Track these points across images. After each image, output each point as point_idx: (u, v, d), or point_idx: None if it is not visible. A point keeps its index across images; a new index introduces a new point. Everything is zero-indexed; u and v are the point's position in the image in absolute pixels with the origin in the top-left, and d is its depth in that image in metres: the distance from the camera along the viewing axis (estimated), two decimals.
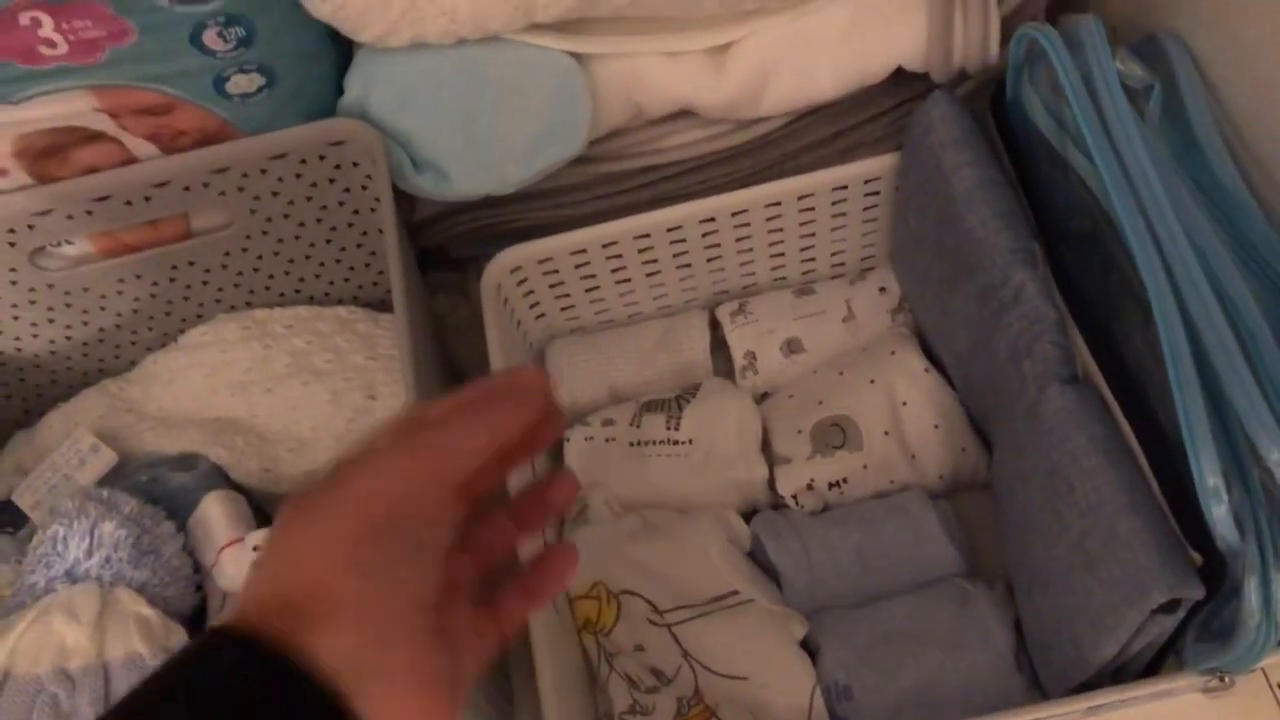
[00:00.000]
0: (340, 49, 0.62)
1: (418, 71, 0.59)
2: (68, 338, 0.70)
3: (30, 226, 0.62)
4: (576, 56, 0.60)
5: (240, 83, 0.57)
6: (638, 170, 0.66)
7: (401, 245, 0.59)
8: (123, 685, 0.53)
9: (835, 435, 0.64)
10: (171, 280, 0.68)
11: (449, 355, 0.74)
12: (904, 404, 0.64)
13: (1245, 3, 0.51)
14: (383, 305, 0.73)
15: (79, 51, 0.53)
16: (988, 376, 0.58)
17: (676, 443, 0.66)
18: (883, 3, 0.59)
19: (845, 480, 0.64)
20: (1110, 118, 0.50)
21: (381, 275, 0.72)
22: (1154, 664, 0.51)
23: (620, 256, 0.66)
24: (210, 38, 0.54)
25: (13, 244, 0.62)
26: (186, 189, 0.62)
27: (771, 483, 0.65)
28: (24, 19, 0.51)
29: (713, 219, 0.65)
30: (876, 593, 0.61)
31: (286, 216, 0.66)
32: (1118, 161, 0.49)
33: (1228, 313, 0.45)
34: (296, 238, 0.67)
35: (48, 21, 0.51)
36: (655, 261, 0.68)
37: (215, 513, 0.61)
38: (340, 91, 0.62)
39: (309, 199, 0.65)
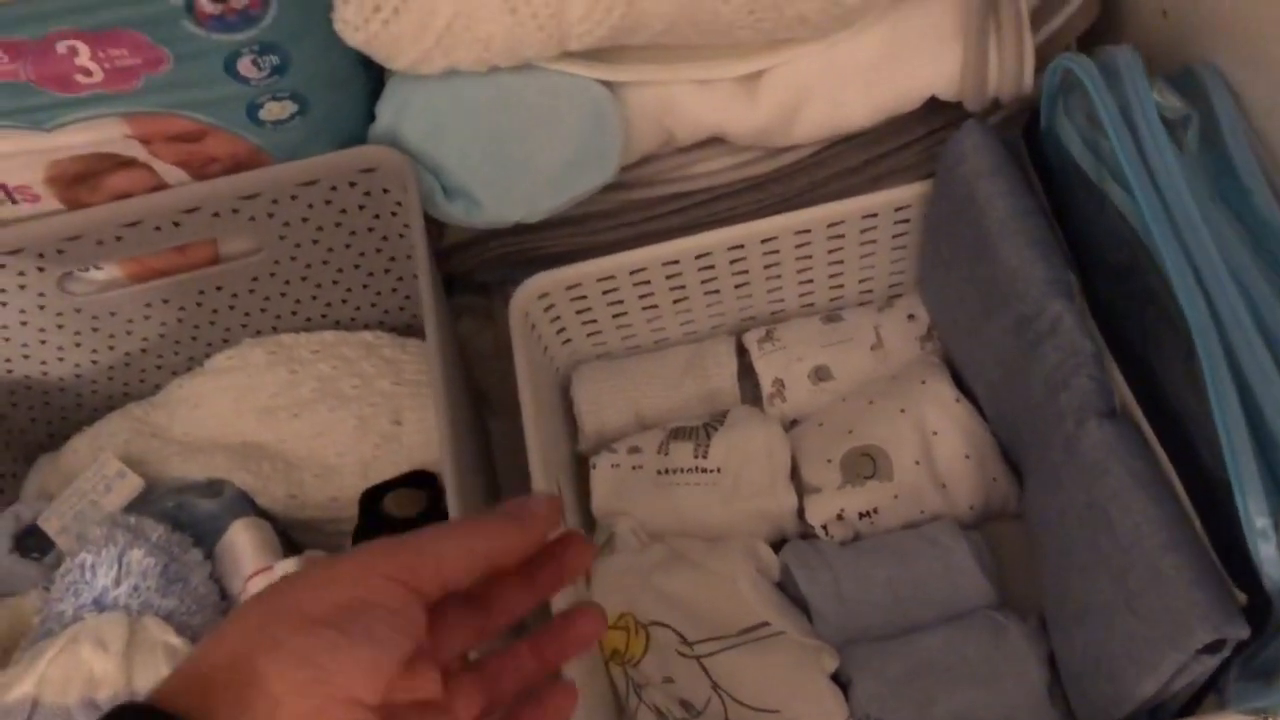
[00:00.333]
0: (372, 76, 0.62)
1: (450, 99, 0.59)
2: (94, 362, 0.70)
3: (60, 251, 0.62)
4: (608, 84, 0.60)
5: (273, 110, 0.57)
6: (667, 197, 0.66)
7: (432, 272, 0.59)
8: None
9: (865, 465, 0.64)
10: (199, 305, 0.68)
11: (473, 380, 0.74)
12: (935, 433, 0.63)
13: None
14: (408, 330, 0.73)
15: (114, 79, 0.53)
16: (1022, 408, 0.57)
17: (705, 471, 0.66)
18: (916, 32, 0.59)
19: (876, 510, 0.63)
20: (1149, 149, 0.50)
21: (408, 300, 0.72)
22: (1193, 702, 0.51)
23: (648, 283, 0.66)
24: (245, 65, 0.54)
25: (42, 269, 0.62)
26: (216, 215, 0.62)
27: (801, 512, 0.64)
28: (60, 47, 0.51)
29: (742, 246, 0.64)
30: (908, 624, 0.61)
31: (315, 242, 0.65)
32: (1156, 193, 0.49)
33: (1271, 346, 0.45)
34: (324, 263, 0.67)
35: (84, 50, 0.51)
36: (683, 288, 0.67)
37: (243, 540, 0.60)
38: (371, 118, 0.62)
39: (338, 225, 0.65)
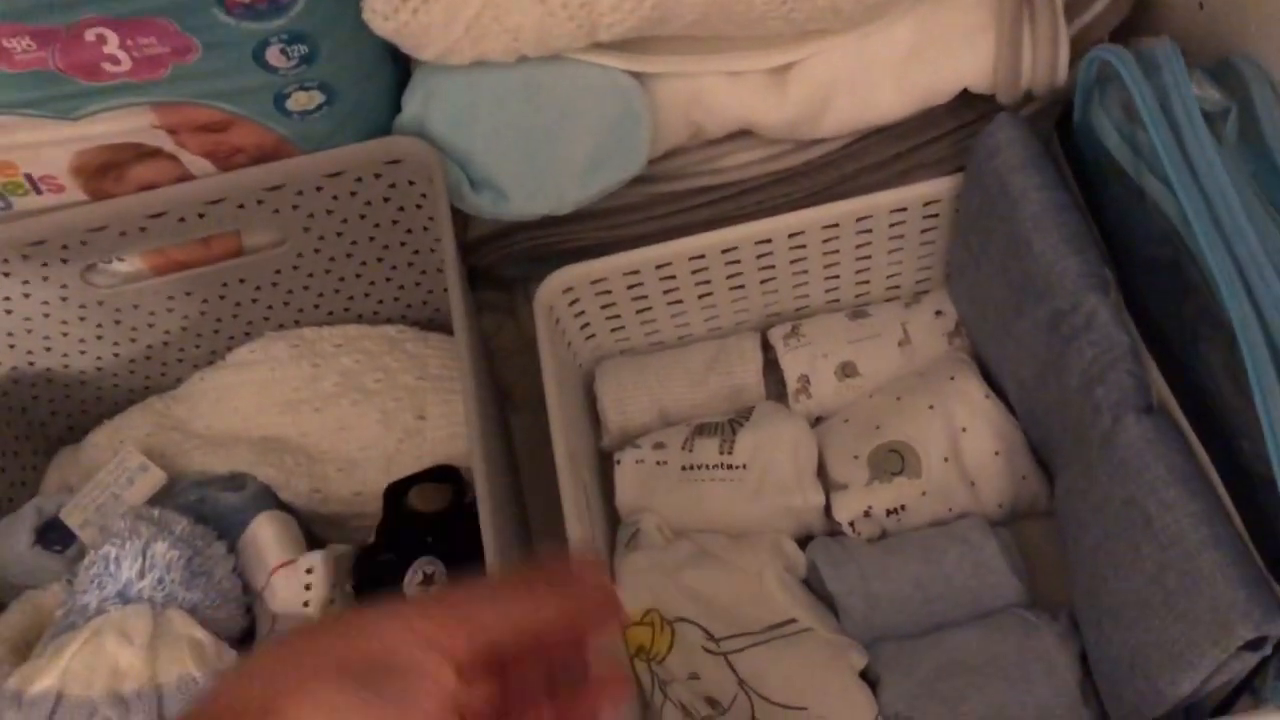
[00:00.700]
0: (399, 66, 0.62)
1: (478, 90, 0.59)
2: (115, 355, 0.70)
3: (84, 243, 0.61)
4: (637, 76, 0.59)
5: (300, 100, 0.57)
6: (695, 190, 0.65)
7: (459, 265, 0.58)
8: (175, 708, 0.52)
9: (893, 461, 0.63)
10: (221, 298, 0.67)
11: (495, 376, 0.73)
12: (964, 430, 0.63)
13: None
14: (430, 324, 0.72)
15: (142, 68, 0.53)
16: (1055, 404, 0.57)
17: (730, 467, 0.65)
18: (948, 24, 0.58)
19: (904, 507, 0.63)
20: (1188, 142, 0.49)
21: (431, 294, 0.71)
22: (1228, 701, 0.50)
23: (673, 278, 0.66)
24: (273, 55, 0.54)
25: (65, 260, 0.62)
26: (241, 206, 0.61)
27: (827, 509, 0.64)
28: (89, 35, 0.51)
29: (769, 240, 0.64)
30: (935, 623, 0.60)
31: (339, 234, 0.65)
32: (1197, 186, 0.48)
33: None
34: (348, 256, 0.67)
35: (113, 38, 0.51)
36: (708, 283, 0.67)
37: (267, 534, 0.60)
38: (398, 109, 0.61)
39: (362, 217, 0.64)
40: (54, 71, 0.53)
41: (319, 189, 0.62)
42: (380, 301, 0.71)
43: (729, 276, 0.66)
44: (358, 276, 0.68)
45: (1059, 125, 0.60)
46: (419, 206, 0.64)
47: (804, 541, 0.64)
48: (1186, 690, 0.48)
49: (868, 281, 0.69)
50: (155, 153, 0.59)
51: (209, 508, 0.62)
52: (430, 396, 0.67)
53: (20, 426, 0.71)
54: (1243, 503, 0.48)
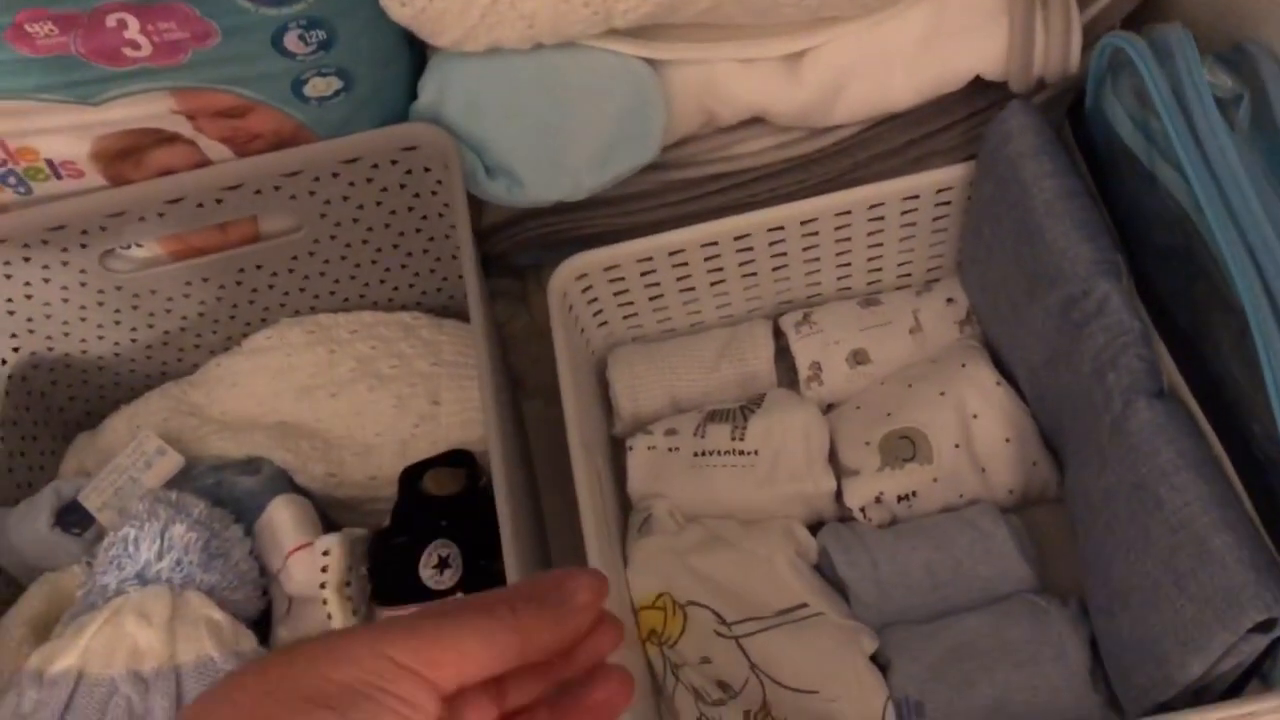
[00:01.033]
0: (415, 53, 0.62)
1: (493, 76, 0.59)
2: (133, 340, 0.70)
3: (102, 228, 0.62)
4: (651, 62, 0.59)
5: (318, 86, 0.57)
6: (708, 178, 0.65)
7: (474, 251, 0.59)
8: (194, 689, 0.53)
9: (905, 448, 0.63)
10: (238, 284, 0.68)
11: (507, 363, 0.74)
12: (974, 417, 0.63)
13: None
14: (445, 311, 0.73)
15: (162, 53, 0.54)
16: (1066, 390, 0.57)
17: (742, 453, 0.66)
18: (961, 11, 0.59)
19: (915, 493, 0.63)
20: (1201, 128, 0.49)
21: (445, 281, 0.72)
22: (1237, 686, 0.50)
23: (686, 265, 0.66)
24: (291, 40, 0.54)
25: (84, 245, 0.63)
26: (258, 192, 0.62)
27: (839, 495, 0.64)
28: (110, 20, 0.52)
29: (781, 228, 0.64)
30: (946, 608, 0.60)
31: (355, 221, 0.66)
32: (1210, 173, 0.48)
33: None
34: (364, 242, 0.67)
35: (134, 23, 0.52)
36: (720, 270, 0.67)
37: (283, 516, 0.60)
38: (414, 96, 0.62)
39: (378, 204, 0.65)
40: (75, 56, 0.53)
41: (336, 175, 0.62)
42: (395, 288, 0.71)
43: (741, 264, 0.67)
44: (373, 263, 0.69)
45: (1071, 112, 0.60)
46: (434, 193, 0.65)
47: (815, 527, 0.64)
48: (1196, 673, 0.48)
49: (880, 269, 0.70)
50: (174, 138, 0.59)
51: (225, 491, 0.62)
52: (444, 382, 0.67)
53: (39, 411, 0.71)
54: (1253, 486, 0.48)
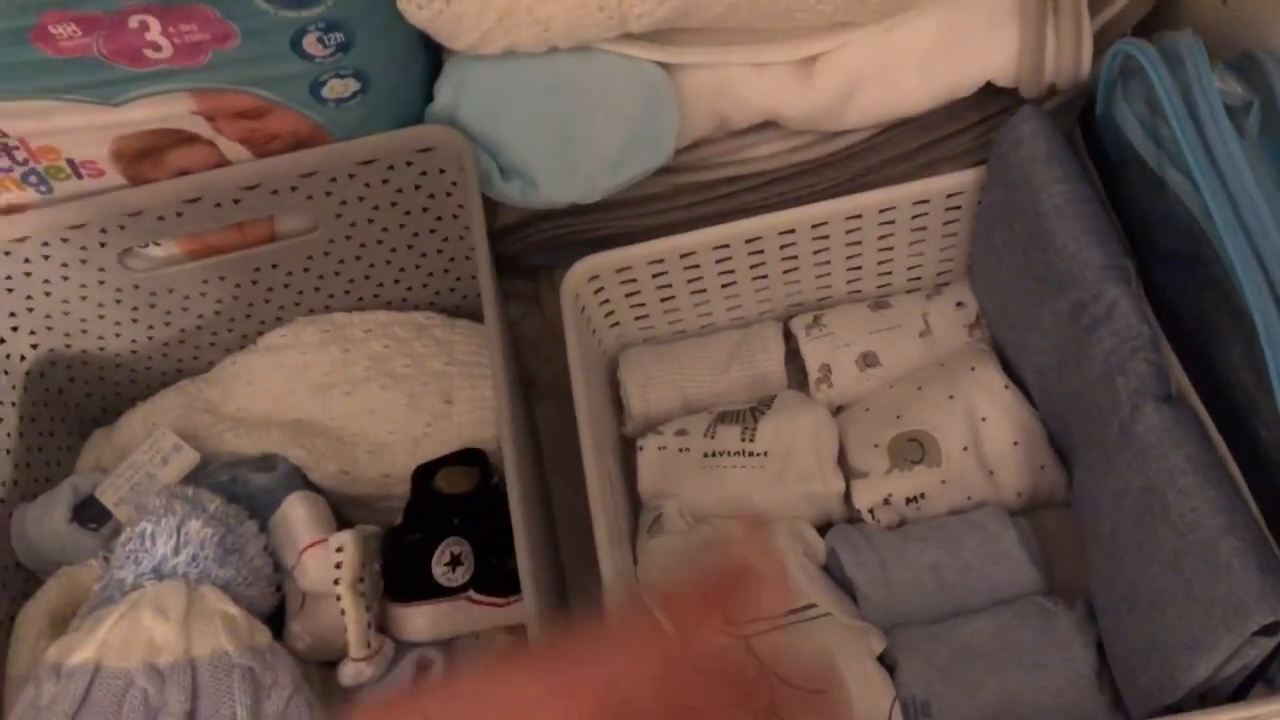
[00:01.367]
0: (431, 56, 0.63)
1: (508, 79, 0.60)
2: (149, 338, 0.71)
3: (121, 227, 0.63)
4: (665, 66, 0.60)
5: (336, 88, 0.58)
6: (720, 181, 0.66)
7: (488, 252, 0.59)
8: (209, 682, 0.53)
9: (913, 450, 0.64)
10: (254, 283, 0.69)
11: (520, 364, 0.74)
12: (983, 420, 0.64)
13: None
14: (458, 311, 0.73)
15: (183, 54, 0.54)
16: (1075, 394, 0.57)
17: (751, 454, 0.66)
18: (973, 17, 0.59)
19: (923, 495, 0.63)
20: (1211, 135, 0.50)
21: (459, 281, 0.72)
22: (1242, 689, 0.51)
23: (697, 267, 0.67)
24: (310, 43, 0.55)
25: (104, 244, 0.64)
26: (275, 192, 0.63)
27: (847, 496, 0.65)
28: (133, 22, 0.52)
29: (792, 230, 0.65)
30: (953, 609, 0.61)
31: (370, 221, 0.66)
32: (1219, 179, 0.49)
33: None
34: (379, 242, 0.68)
35: (155, 25, 0.52)
36: (732, 273, 0.68)
37: (298, 513, 0.61)
38: (430, 98, 0.62)
39: (393, 204, 0.65)
40: (97, 57, 0.54)
41: (352, 176, 0.63)
42: (409, 288, 0.72)
43: (752, 266, 0.67)
44: (388, 263, 0.70)
45: (1082, 118, 0.60)
46: (449, 194, 0.65)
47: (824, 528, 0.65)
48: (1201, 676, 0.48)
49: (890, 272, 0.70)
50: (193, 138, 0.60)
51: (240, 488, 0.63)
52: (457, 381, 0.68)
53: (56, 407, 0.72)
54: (1259, 490, 0.49)
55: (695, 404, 0.70)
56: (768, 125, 0.64)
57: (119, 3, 0.52)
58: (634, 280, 0.67)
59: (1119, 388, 0.53)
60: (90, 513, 0.64)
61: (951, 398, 0.64)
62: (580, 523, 0.57)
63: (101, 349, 0.71)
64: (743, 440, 0.66)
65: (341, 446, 0.67)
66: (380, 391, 0.67)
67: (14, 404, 0.68)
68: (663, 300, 0.69)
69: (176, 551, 0.57)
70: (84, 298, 0.67)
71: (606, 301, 0.68)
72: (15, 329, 0.68)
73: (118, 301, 0.68)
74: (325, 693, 0.59)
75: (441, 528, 0.60)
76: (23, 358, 0.69)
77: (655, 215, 0.67)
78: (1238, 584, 0.46)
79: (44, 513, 0.64)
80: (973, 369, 0.65)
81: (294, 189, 0.63)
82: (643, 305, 0.69)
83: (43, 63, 0.54)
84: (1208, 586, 0.47)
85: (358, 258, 0.69)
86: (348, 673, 0.58)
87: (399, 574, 0.60)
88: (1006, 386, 0.64)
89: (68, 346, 0.70)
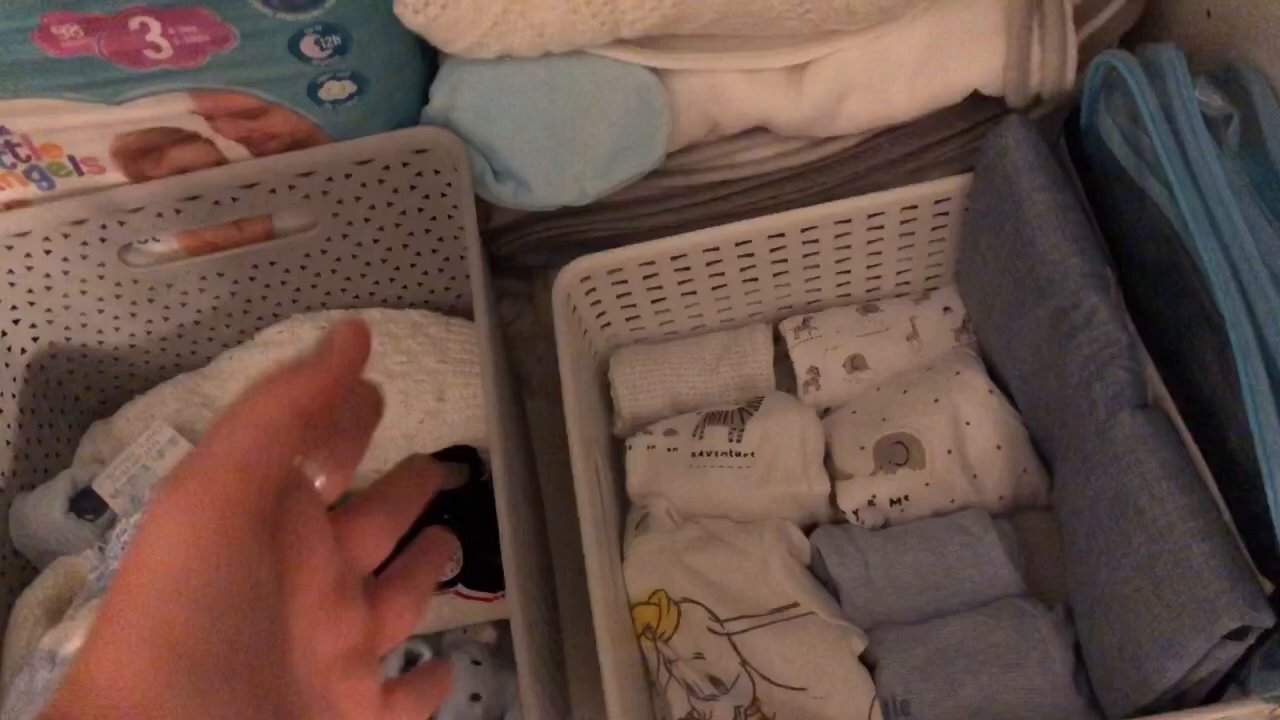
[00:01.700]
0: (427, 59, 0.64)
1: (503, 83, 0.61)
2: (148, 332, 0.72)
3: (121, 223, 0.64)
4: (657, 72, 0.61)
5: (333, 89, 0.59)
6: (711, 184, 0.67)
7: (481, 253, 0.60)
8: None
9: (898, 452, 0.65)
10: (252, 279, 0.70)
11: (512, 362, 0.75)
12: (968, 424, 0.64)
13: None
14: (452, 310, 0.74)
15: (182, 55, 0.55)
16: (1055, 399, 0.58)
17: (738, 454, 0.67)
18: (960, 27, 0.60)
19: (907, 497, 0.64)
20: (1189, 146, 0.51)
21: (453, 281, 0.73)
22: (1216, 691, 0.51)
23: (688, 269, 0.67)
24: (308, 45, 0.56)
25: (104, 239, 0.64)
26: (273, 191, 0.64)
27: (833, 498, 0.65)
28: (133, 23, 0.53)
29: (782, 234, 0.66)
30: (935, 610, 0.62)
31: (366, 221, 0.67)
32: (1196, 191, 0.50)
33: None
34: (375, 241, 0.69)
35: (155, 26, 0.53)
36: (722, 275, 0.69)
37: None
38: (425, 100, 0.63)
39: (389, 204, 0.66)
40: (99, 58, 0.55)
41: (348, 176, 0.64)
42: (404, 286, 0.73)
43: (742, 269, 0.68)
44: (383, 261, 0.71)
45: (1067, 128, 0.61)
46: (444, 195, 0.66)
47: (809, 528, 0.66)
48: (1173, 678, 0.49)
49: (878, 277, 0.71)
50: (192, 137, 0.61)
51: None
52: (450, 379, 0.69)
53: (55, 400, 0.73)
54: (1231, 496, 0.50)
55: (685, 404, 0.71)
56: (758, 130, 0.65)
57: (120, 4, 0.53)
58: (625, 281, 0.68)
59: (1096, 394, 0.54)
60: (87, 503, 0.65)
61: (937, 401, 0.65)
62: (569, 519, 0.58)
63: (101, 343, 0.72)
64: (730, 441, 0.67)
65: None
66: None
67: (14, 396, 0.69)
68: (654, 301, 0.70)
69: None
70: (84, 292, 0.68)
71: (598, 302, 0.69)
72: (16, 322, 0.69)
73: (117, 296, 0.69)
74: None
75: (432, 522, 0.61)
76: (23, 350, 0.70)
77: (647, 218, 0.68)
78: (1209, 588, 0.47)
79: (42, 503, 0.65)
80: (958, 373, 0.66)
81: (292, 188, 0.64)
82: (634, 306, 0.70)
83: (45, 62, 0.55)
84: (1179, 590, 0.48)
85: (354, 256, 0.70)
86: None
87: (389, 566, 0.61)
88: (991, 391, 0.65)
89: (67, 340, 0.71)
